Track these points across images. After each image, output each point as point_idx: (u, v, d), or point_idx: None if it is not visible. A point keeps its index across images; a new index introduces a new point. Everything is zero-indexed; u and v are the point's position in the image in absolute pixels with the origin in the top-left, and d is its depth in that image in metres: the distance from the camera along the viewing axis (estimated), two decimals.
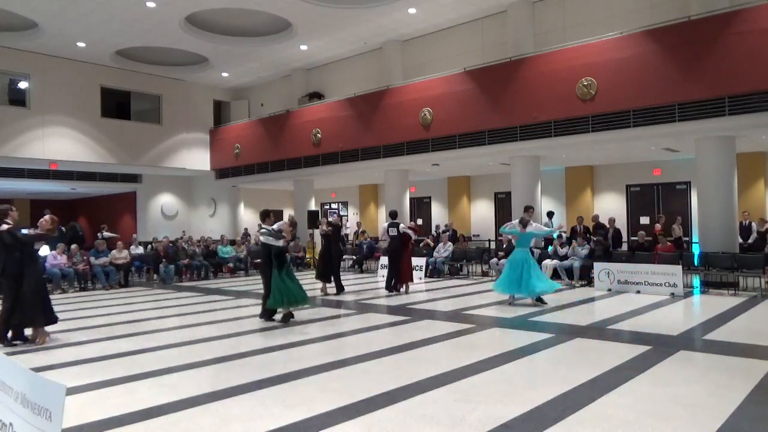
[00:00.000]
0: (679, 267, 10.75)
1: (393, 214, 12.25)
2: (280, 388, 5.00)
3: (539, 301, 9.58)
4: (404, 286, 11.69)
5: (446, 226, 18.18)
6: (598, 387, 4.86)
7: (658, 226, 13.70)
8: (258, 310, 8.91)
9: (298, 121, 19.50)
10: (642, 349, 6.24)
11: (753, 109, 10.76)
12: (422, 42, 17.84)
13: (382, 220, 19.98)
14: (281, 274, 8.25)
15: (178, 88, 21.76)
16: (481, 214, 20.22)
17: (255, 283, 14.53)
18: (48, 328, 7.45)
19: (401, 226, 11.78)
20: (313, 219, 19.07)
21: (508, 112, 14.06)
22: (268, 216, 8.77)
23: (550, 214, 14.86)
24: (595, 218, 14.42)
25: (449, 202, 20.86)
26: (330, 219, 12.42)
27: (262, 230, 8.57)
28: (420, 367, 5.65)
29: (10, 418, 2.98)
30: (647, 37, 12.08)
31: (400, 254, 11.58)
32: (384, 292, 11.75)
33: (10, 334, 7.16)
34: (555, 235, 12.58)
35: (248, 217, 23.76)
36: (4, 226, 7.03)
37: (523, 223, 9.75)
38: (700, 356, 6.14)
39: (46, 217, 7.40)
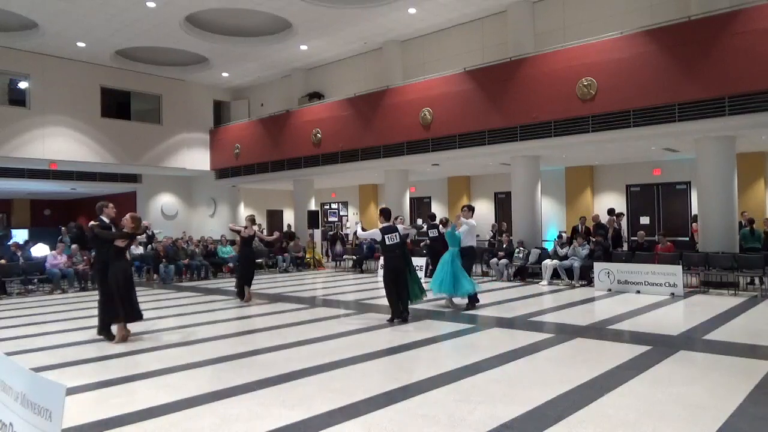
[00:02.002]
0: (679, 267, 10.75)
1: (432, 217, 12.99)
2: (280, 388, 5.00)
3: (471, 301, 9.35)
4: None
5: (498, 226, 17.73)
6: (598, 387, 4.86)
7: (695, 226, 13.66)
8: (259, 310, 8.88)
9: (298, 121, 19.50)
10: (642, 349, 6.24)
11: (753, 109, 10.75)
12: (422, 42, 17.83)
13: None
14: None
15: (178, 88, 21.76)
16: (481, 214, 20.19)
17: (255, 282, 14.49)
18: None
19: (440, 227, 12.62)
20: (312, 219, 19.11)
21: (508, 112, 14.05)
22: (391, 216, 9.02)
23: (610, 212, 14.72)
24: (596, 218, 14.42)
25: (449, 202, 20.86)
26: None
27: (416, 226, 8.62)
28: (420, 367, 5.65)
29: (10, 418, 2.98)
30: (647, 37, 12.08)
31: (440, 254, 11.63)
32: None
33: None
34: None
35: None
36: (93, 222, 7.39)
37: (443, 223, 9.82)
38: (700, 356, 6.13)
39: (127, 216, 7.39)
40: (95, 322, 8.93)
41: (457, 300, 9.61)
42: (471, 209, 9.84)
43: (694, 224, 13.99)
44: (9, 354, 6.23)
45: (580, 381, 5.02)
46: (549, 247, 14.11)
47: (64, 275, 13.55)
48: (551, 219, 17.82)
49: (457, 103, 15.01)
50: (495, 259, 14.03)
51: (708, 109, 11.25)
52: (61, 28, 16.21)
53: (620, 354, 6.03)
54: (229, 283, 14.67)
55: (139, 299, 11.86)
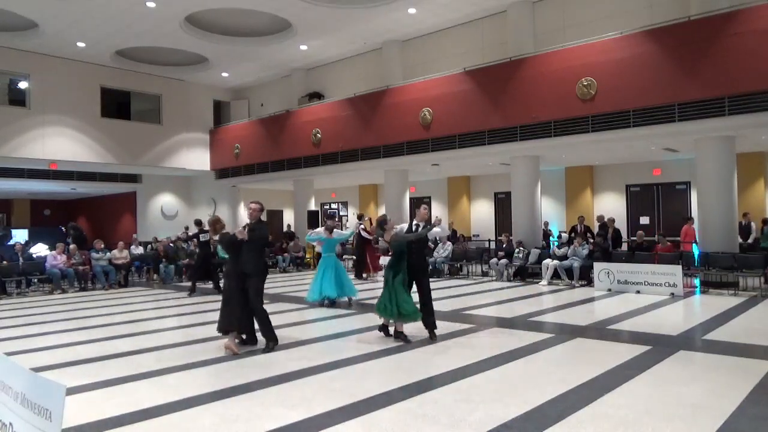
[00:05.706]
0: (679, 267, 10.75)
1: (359, 216, 15.32)
2: (280, 388, 5.00)
3: (349, 301, 10.25)
4: (369, 275, 14.08)
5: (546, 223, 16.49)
6: (598, 387, 4.86)
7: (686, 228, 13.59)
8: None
9: (298, 121, 19.50)
10: (642, 349, 6.24)
11: (753, 109, 10.75)
12: (422, 42, 17.83)
13: None
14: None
15: (178, 88, 21.76)
16: (481, 214, 20.23)
17: None
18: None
19: (360, 228, 14.41)
20: (312, 219, 19.11)
21: (508, 112, 14.05)
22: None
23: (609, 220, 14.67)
24: (600, 218, 14.39)
25: (449, 202, 20.87)
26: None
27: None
28: (420, 367, 5.65)
29: (10, 418, 2.98)
30: (647, 37, 12.08)
31: (362, 250, 14.31)
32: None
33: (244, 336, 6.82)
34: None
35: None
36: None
37: (329, 229, 10.52)
38: (700, 356, 6.13)
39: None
40: (95, 321, 8.97)
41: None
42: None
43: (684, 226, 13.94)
44: (9, 354, 6.23)
45: (580, 381, 5.02)
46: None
47: (65, 275, 13.55)
48: (551, 219, 17.81)
49: (457, 103, 15.01)
50: (495, 259, 14.02)
51: (708, 109, 11.25)
52: (61, 28, 16.20)
53: (620, 354, 6.02)
54: None
55: (139, 299, 12.01)
